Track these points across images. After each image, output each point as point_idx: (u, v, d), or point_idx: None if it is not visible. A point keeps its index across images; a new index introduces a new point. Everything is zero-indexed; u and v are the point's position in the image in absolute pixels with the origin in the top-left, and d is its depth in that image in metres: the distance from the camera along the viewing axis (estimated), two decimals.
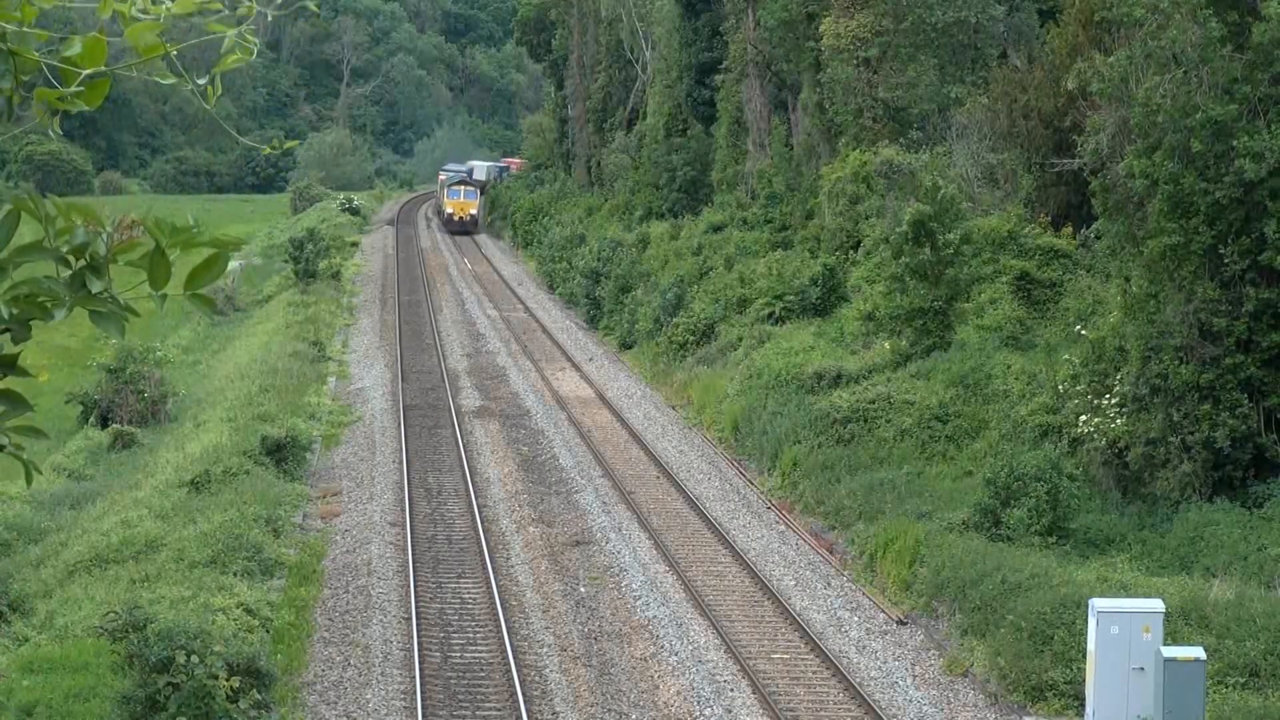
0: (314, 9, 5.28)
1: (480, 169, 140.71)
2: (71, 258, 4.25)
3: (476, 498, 38.91)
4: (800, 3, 62.48)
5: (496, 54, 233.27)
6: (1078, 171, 42.43)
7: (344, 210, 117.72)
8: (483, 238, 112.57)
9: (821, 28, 59.85)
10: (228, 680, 21.63)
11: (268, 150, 5.27)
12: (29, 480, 4.68)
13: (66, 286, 4.24)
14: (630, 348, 62.43)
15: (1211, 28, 31.80)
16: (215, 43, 4.54)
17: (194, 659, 21.43)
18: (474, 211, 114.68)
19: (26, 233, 4.35)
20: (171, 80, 4.51)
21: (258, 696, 22.26)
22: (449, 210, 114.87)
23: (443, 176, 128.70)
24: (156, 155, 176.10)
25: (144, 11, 4.36)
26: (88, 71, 4.28)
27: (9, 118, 4.33)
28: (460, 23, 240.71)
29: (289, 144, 5.49)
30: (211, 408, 48.81)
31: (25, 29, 4.25)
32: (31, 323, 4.28)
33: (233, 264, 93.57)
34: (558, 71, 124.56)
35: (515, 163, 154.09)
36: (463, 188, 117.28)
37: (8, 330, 4.25)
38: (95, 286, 4.24)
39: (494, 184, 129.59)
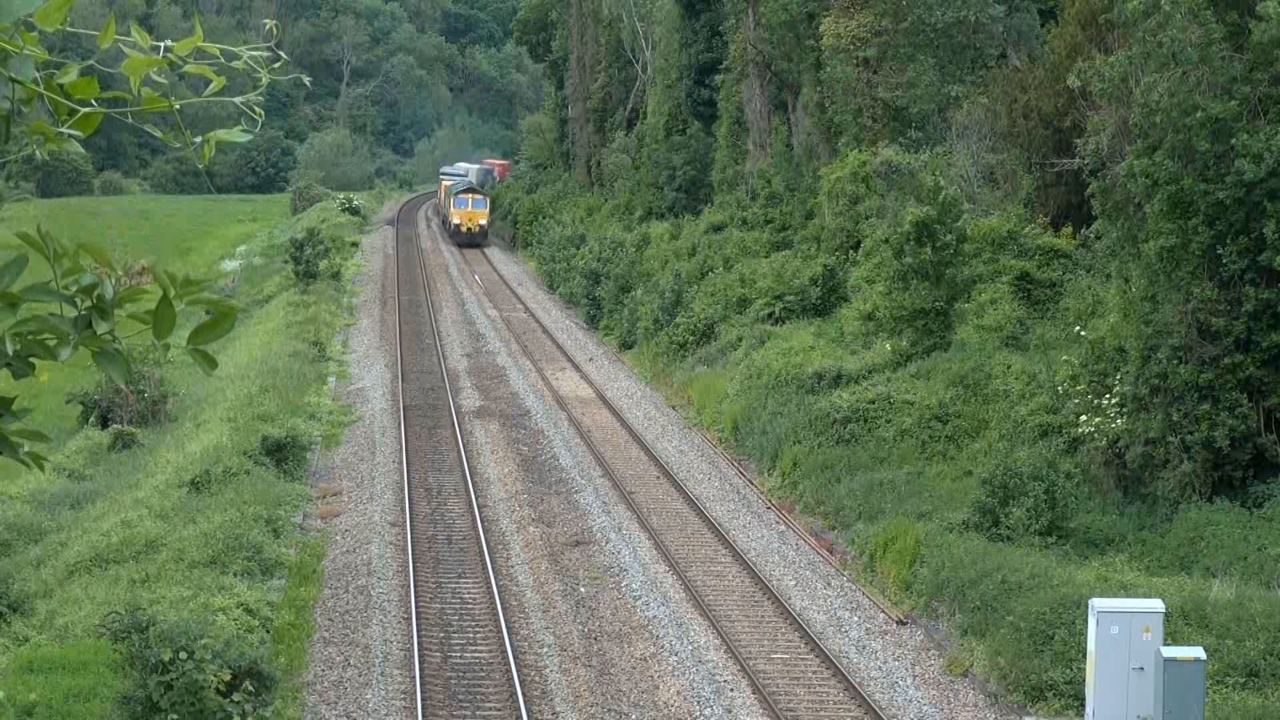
0: (307, 83, 5.32)
1: (471, 173, 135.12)
2: (78, 299, 4.28)
3: (476, 498, 38.92)
4: (800, 2, 62.50)
5: (496, 54, 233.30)
6: (1078, 171, 42.44)
7: (344, 210, 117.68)
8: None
9: (821, 27, 59.87)
10: (217, 675, 21.59)
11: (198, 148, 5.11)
12: (41, 468, 4.73)
13: (72, 326, 4.26)
14: (630, 348, 62.43)
15: (1211, 27, 31.81)
16: (221, 104, 4.55)
17: (182, 654, 21.43)
18: (483, 222, 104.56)
19: (34, 261, 4.37)
20: (164, 136, 4.53)
21: (251, 689, 22.23)
22: (456, 221, 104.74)
23: (447, 183, 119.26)
24: (156, 155, 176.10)
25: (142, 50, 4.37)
26: (82, 112, 4.30)
27: (4, 140, 4.35)
28: (460, 23, 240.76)
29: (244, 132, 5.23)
30: (211, 408, 48.81)
31: (25, 52, 4.26)
32: (35, 360, 4.30)
33: (233, 264, 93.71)
34: (558, 72, 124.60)
35: (498, 164, 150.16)
36: (470, 196, 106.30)
37: (9, 365, 4.27)
38: (101, 328, 4.26)
39: (486, 188, 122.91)
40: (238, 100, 4.51)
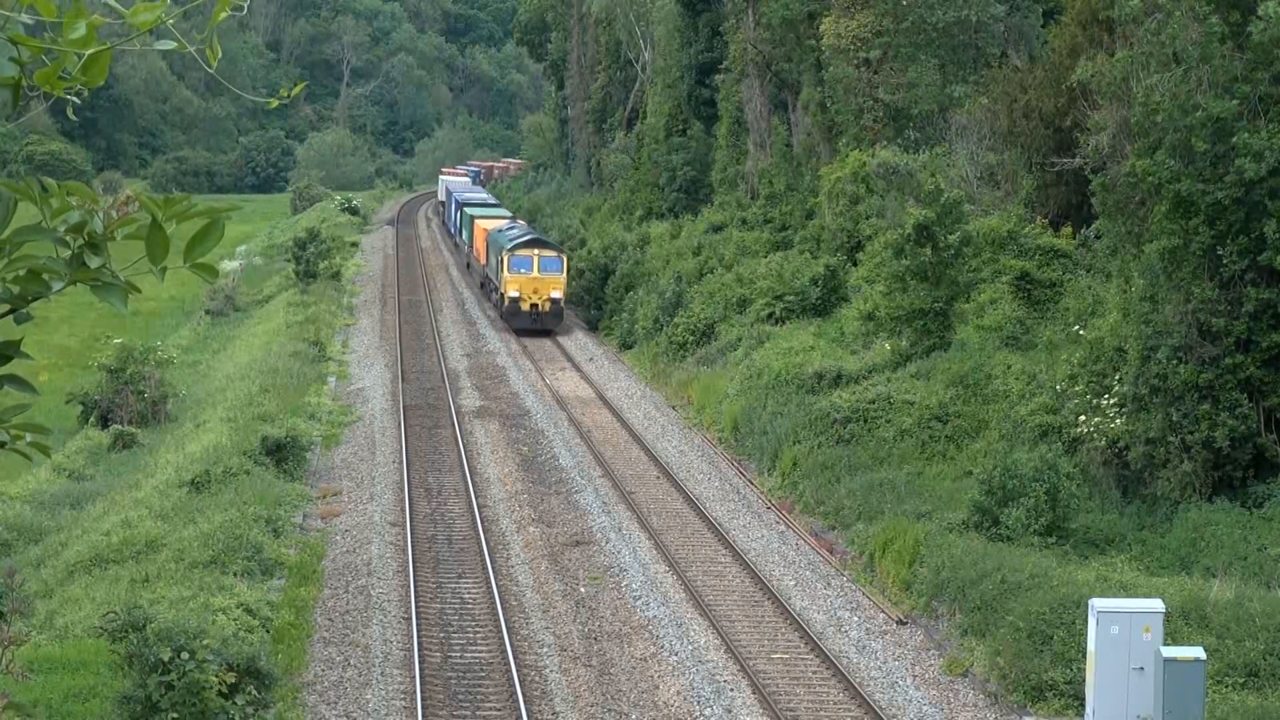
0: None
1: (446, 186, 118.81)
2: (70, 238, 4.31)
3: (476, 498, 38.92)
4: (801, 2, 62.49)
5: (496, 54, 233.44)
6: (1078, 171, 42.44)
7: (344, 210, 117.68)
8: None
9: (822, 27, 59.87)
10: (219, 676, 21.58)
11: (274, 103, 5.28)
12: (47, 454, 4.74)
13: (66, 265, 4.29)
14: (630, 348, 62.42)
15: (1212, 24, 31.80)
16: (209, 11, 4.55)
17: (184, 655, 21.42)
18: (557, 294, 66.24)
19: (24, 218, 4.39)
20: (169, 46, 4.52)
21: (253, 692, 22.21)
22: (514, 292, 65.91)
23: (486, 224, 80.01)
24: (156, 155, 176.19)
25: None
26: (90, 51, 4.30)
27: (14, 107, 4.36)
28: (460, 23, 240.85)
29: (298, 88, 5.46)
30: (211, 408, 48.81)
31: (20, 17, 4.27)
32: (33, 303, 4.32)
33: (233, 264, 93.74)
34: (557, 72, 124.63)
35: (457, 171, 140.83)
36: (537, 254, 66.35)
37: (11, 311, 4.29)
38: (94, 262, 4.29)
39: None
40: None
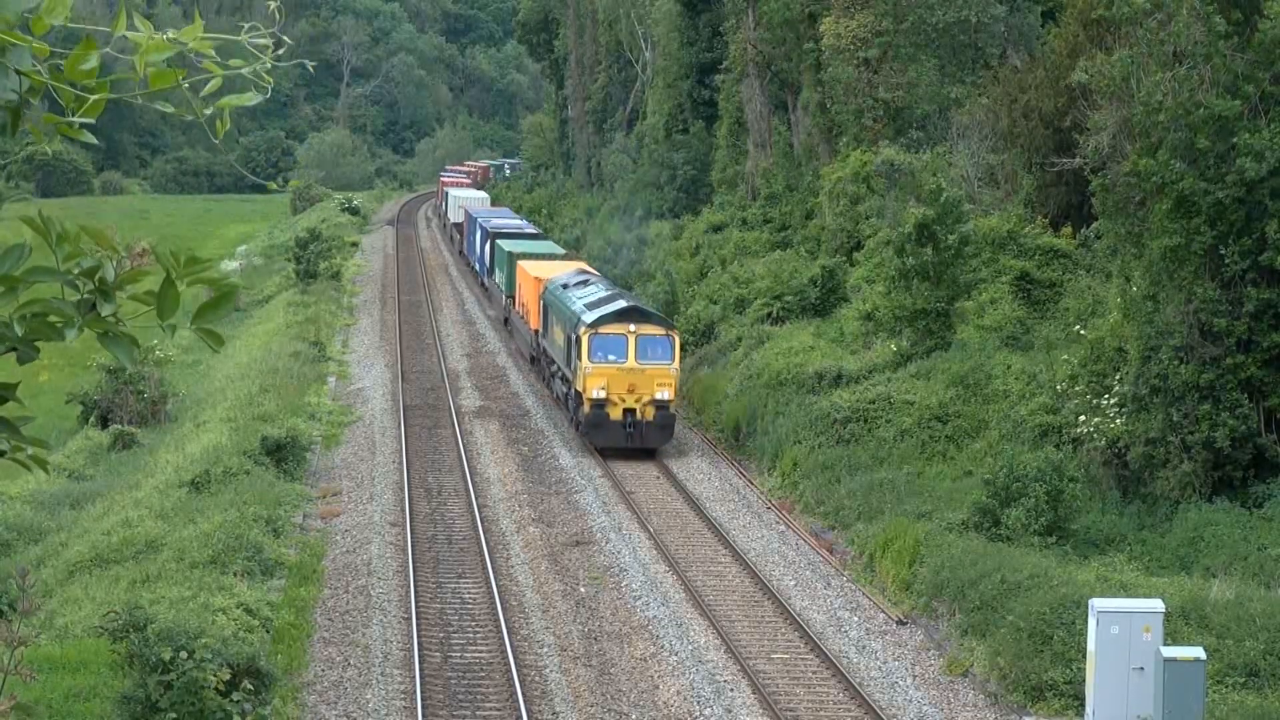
0: (310, 69, 5.31)
1: (450, 203, 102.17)
2: (81, 282, 4.26)
3: (476, 498, 38.91)
4: (801, 2, 62.49)
5: (496, 54, 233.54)
6: (1078, 171, 42.43)
7: (344, 210, 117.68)
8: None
9: (822, 27, 59.86)
10: (217, 674, 21.58)
11: (273, 187, 5.34)
12: (45, 469, 4.74)
13: (76, 308, 4.24)
14: None
15: (1215, 22, 31.80)
16: (227, 79, 4.53)
17: (182, 654, 21.42)
18: (665, 393, 43.28)
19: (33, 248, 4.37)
20: (169, 109, 4.50)
21: (249, 687, 22.20)
22: (597, 392, 43.23)
23: (531, 271, 55.73)
24: (156, 155, 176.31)
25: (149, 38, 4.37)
26: (94, 98, 4.28)
27: (13, 132, 4.34)
28: (460, 23, 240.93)
29: (292, 184, 5.51)
30: (211, 408, 48.80)
31: (32, 44, 4.25)
32: (39, 344, 4.29)
33: (233, 264, 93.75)
34: (558, 71, 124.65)
35: (462, 179, 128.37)
36: (633, 330, 43.37)
37: (14, 350, 4.26)
38: (105, 310, 4.26)
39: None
40: (244, 70, 4.50)
